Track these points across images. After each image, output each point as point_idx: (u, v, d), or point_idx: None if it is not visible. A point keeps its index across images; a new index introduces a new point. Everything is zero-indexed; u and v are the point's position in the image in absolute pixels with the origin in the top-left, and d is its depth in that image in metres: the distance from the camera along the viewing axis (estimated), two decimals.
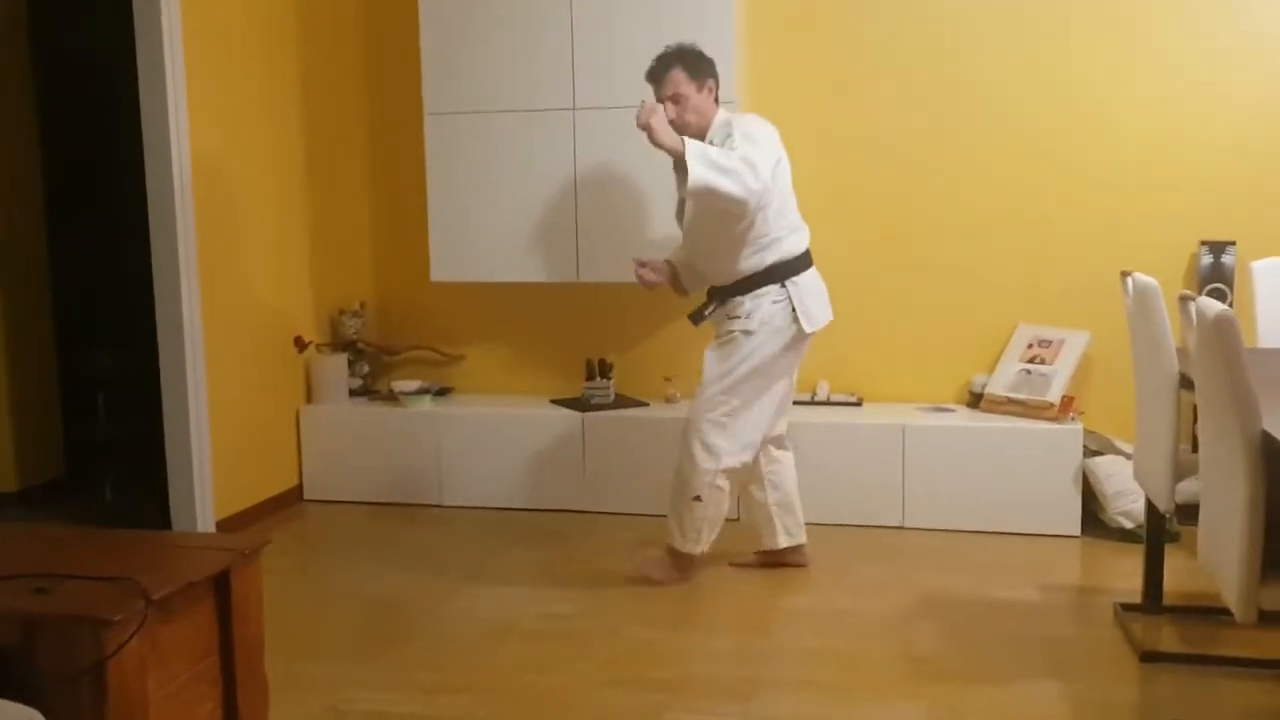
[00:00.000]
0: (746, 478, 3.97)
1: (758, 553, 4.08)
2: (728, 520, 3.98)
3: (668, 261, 4.06)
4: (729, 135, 3.63)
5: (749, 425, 3.81)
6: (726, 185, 3.46)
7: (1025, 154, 4.67)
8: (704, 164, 3.45)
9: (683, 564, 3.90)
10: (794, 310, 3.72)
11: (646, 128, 3.53)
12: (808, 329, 3.74)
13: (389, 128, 5.23)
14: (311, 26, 5.09)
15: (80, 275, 5.39)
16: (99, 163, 5.33)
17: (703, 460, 3.77)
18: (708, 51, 3.82)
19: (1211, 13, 4.49)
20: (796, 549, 4.06)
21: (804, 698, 3.12)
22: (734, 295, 3.77)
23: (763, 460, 3.98)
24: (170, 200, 4.23)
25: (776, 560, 4.05)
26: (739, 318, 3.74)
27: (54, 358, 5.33)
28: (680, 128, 3.65)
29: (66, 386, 5.34)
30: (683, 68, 3.72)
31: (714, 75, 3.78)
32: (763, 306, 3.72)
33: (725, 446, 3.77)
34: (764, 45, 4.76)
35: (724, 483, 3.82)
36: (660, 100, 3.71)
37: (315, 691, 3.14)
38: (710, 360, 3.80)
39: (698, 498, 3.79)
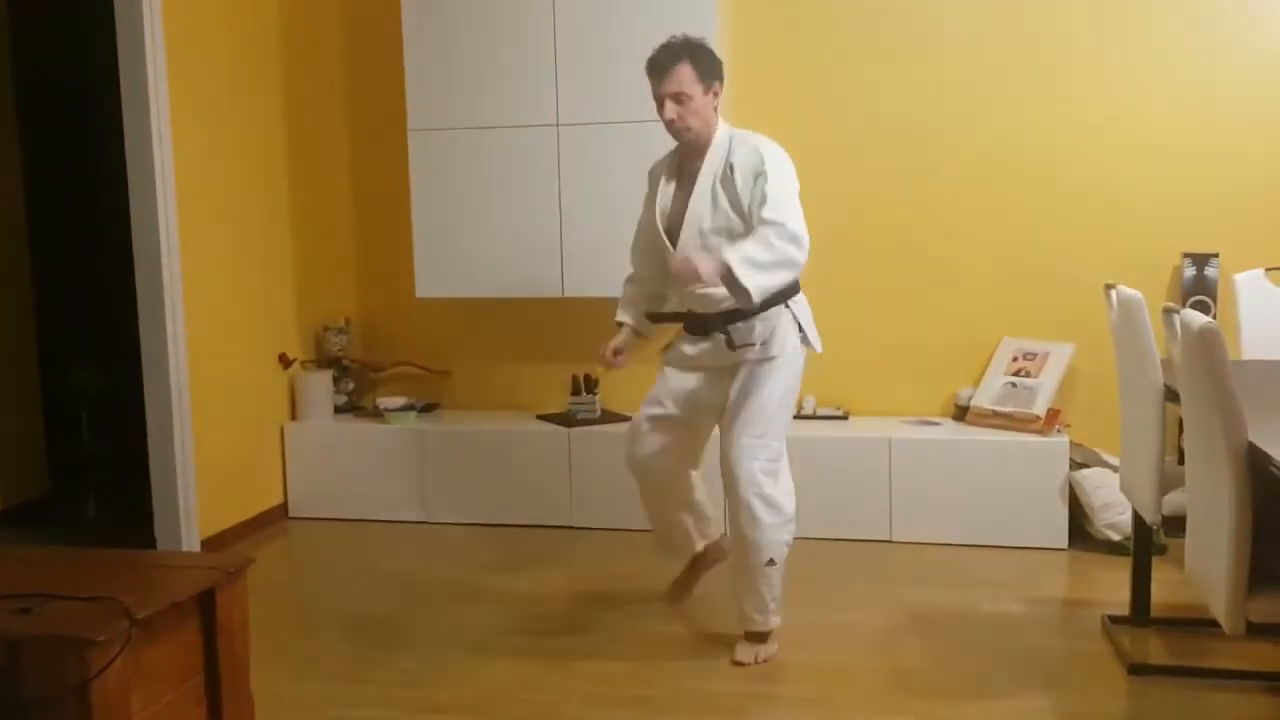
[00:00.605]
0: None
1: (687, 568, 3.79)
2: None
3: (629, 328, 3.66)
4: (760, 173, 3.25)
5: (786, 465, 3.45)
6: (783, 277, 3.19)
7: (1008, 167, 4.70)
8: (757, 271, 3.11)
9: (770, 636, 3.49)
10: (801, 331, 3.42)
11: (697, 278, 3.13)
12: (818, 349, 3.47)
13: (373, 144, 5.23)
14: (295, 43, 5.09)
15: (64, 291, 5.36)
16: (82, 177, 5.32)
17: (767, 516, 3.32)
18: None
19: (1194, 26, 4.52)
20: (714, 545, 3.78)
21: (793, 713, 3.13)
22: (735, 320, 3.35)
23: (688, 482, 3.68)
24: (154, 216, 4.21)
25: (704, 566, 3.77)
26: (751, 345, 3.35)
27: (37, 374, 5.29)
28: (679, 132, 3.34)
29: (50, 403, 5.31)
30: (692, 64, 3.27)
31: (721, 78, 3.37)
32: (778, 328, 3.36)
33: (780, 497, 3.37)
34: (746, 62, 4.77)
35: (788, 536, 3.41)
36: (659, 96, 3.31)
37: (301, 710, 3.12)
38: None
39: (771, 561, 3.36)
